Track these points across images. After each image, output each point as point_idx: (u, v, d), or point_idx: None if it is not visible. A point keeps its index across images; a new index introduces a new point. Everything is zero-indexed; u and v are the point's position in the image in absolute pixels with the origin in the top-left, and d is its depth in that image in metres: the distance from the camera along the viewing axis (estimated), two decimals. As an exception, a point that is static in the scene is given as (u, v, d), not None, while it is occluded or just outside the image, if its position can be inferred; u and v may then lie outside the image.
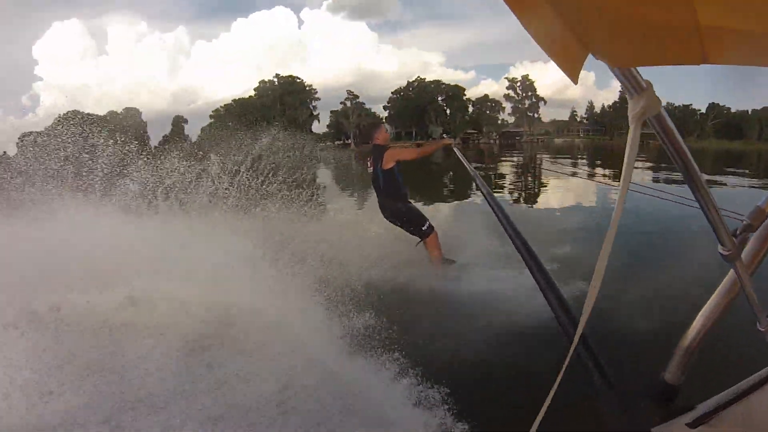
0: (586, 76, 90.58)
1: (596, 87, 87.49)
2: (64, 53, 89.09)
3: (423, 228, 4.96)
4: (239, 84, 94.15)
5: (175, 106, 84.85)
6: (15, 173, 5.71)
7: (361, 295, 3.81)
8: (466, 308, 3.84)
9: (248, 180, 6.17)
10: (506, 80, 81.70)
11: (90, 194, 5.45)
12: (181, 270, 3.58)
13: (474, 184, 2.61)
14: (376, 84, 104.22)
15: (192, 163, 6.50)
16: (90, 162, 5.72)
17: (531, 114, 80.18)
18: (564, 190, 12.64)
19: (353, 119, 68.59)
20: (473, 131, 74.70)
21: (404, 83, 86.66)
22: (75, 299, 3.23)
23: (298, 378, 2.48)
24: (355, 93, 74.12)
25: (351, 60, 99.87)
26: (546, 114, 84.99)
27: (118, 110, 65.95)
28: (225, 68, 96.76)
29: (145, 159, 5.98)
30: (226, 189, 6.06)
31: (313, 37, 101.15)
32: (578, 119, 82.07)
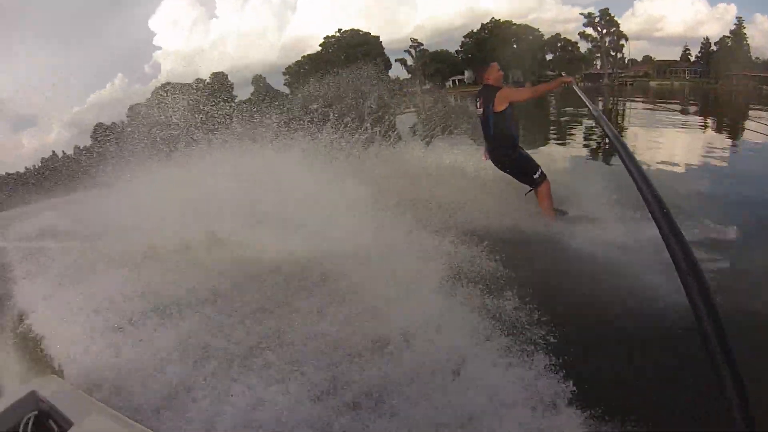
0: (726, 10, 78.98)
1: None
2: (177, 22, 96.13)
3: (534, 176, 4.62)
4: (345, 24, 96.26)
5: (285, 59, 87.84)
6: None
7: (473, 246, 3.82)
8: (582, 265, 3.52)
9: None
10: (582, 16, 73.67)
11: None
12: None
13: (597, 126, 2.17)
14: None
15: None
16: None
17: (615, 53, 71.77)
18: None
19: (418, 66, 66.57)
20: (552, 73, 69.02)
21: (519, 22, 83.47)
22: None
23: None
24: (418, 41, 71.41)
25: (461, 1, 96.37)
26: (658, 52, 75.59)
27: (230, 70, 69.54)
28: (332, 17, 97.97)
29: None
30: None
31: None
32: (691, 59, 71.16)
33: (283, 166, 5.43)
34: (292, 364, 2.54)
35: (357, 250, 3.68)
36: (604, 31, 69.74)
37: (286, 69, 71.39)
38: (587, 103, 3.10)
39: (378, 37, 70.91)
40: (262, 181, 4.95)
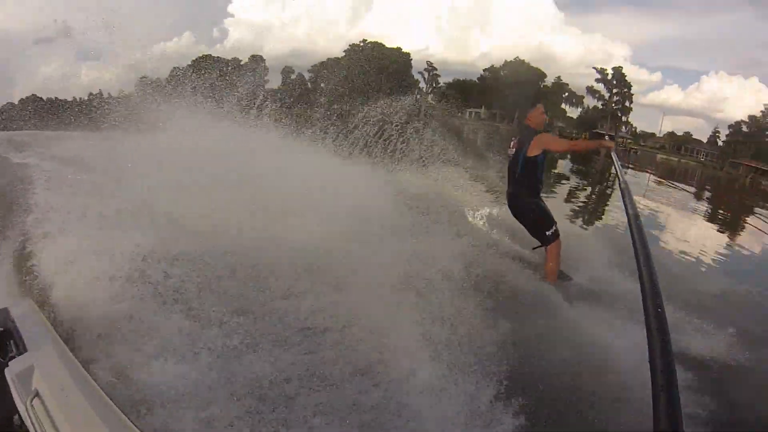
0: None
1: None
2: None
3: (547, 233, 4.39)
4: (416, 39, 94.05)
5: (349, 53, 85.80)
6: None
7: (458, 282, 3.68)
8: (558, 337, 3.31)
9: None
10: (594, 70, 71.34)
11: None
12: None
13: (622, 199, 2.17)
14: (553, 67, 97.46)
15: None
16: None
17: (621, 116, 70.12)
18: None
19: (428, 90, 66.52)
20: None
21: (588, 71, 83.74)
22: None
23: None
24: (433, 65, 70.92)
25: (532, 36, 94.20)
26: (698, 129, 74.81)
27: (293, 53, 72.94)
28: (404, 23, 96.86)
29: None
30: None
31: (496, 6, 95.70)
32: (719, 140, 67.16)
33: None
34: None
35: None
36: (615, 90, 69.16)
37: (311, 67, 72.35)
38: (618, 173, 3.01)
39: (408, 54, 70.46)
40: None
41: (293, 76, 69.08)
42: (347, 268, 3.51)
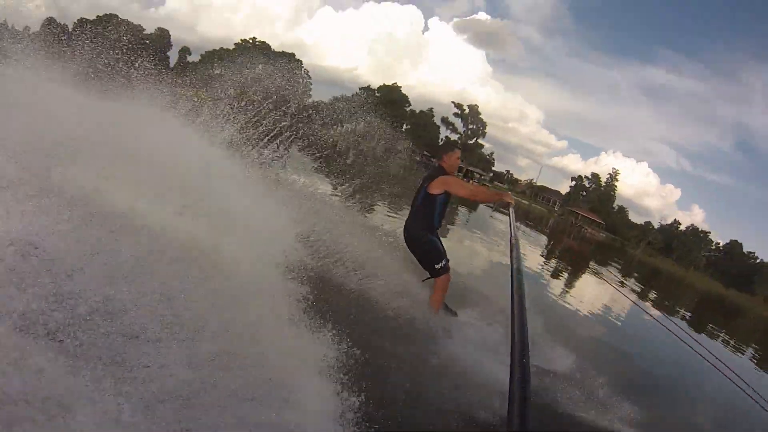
0: (672, 192, 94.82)
1: (677, 206, 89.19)
2: None
3: (436, 266, 4.52)
4: (347, 58, 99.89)
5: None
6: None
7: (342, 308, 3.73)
8: (433, 369, 3.54)
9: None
10: (452, 104, 78.81)
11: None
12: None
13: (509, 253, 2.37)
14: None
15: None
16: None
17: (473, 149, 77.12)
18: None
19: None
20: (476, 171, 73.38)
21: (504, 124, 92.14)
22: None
23: None
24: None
25: (458, 81, 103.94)
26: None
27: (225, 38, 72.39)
28: (340, 40, 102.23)
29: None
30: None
31: (433, 46, 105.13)
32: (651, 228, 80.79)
33: None
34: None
35: None
36: (470, 124, 75.85)
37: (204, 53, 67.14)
38: (511, 229, 3.14)
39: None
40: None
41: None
42: None
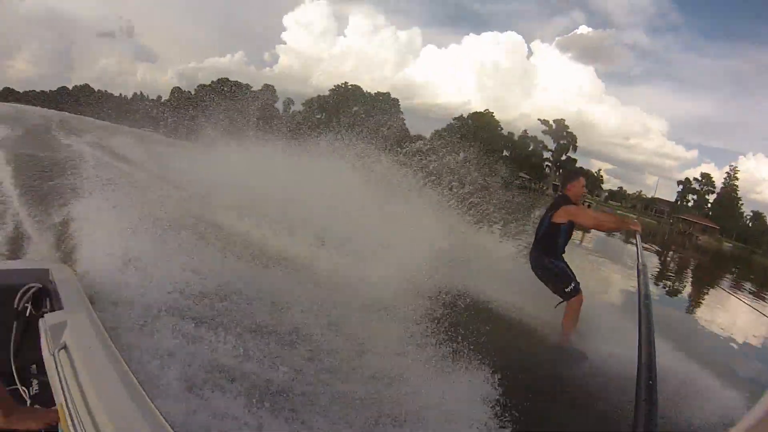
0: None
1: None
2: (308, 27, 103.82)
3: (566, 289, 4.47)
4: (458, 94, 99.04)
5: (393, 94, 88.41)
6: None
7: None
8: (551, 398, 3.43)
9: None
10: (539, 122, 74.98)
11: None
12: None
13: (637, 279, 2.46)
14: (590, 135, 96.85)
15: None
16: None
17: (561, 167, 71.40)
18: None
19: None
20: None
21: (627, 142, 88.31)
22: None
23: None
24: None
25: (572, 103, 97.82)
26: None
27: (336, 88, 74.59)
28: (447, 76, 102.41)
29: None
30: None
31: (539, 70, 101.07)
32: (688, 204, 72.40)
33: None
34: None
35: None
36: (561, 141, 71.77)
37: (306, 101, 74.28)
38: (638, 255, 3.07)
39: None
40: None
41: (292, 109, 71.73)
42: None
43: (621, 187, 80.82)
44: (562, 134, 73.25)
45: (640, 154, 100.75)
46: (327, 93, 72.07)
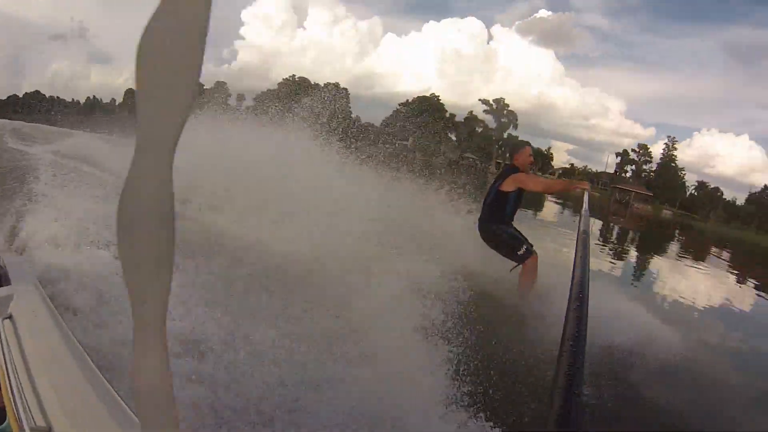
0: None
1: None
2: (267, 20, 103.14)
3: (519, 252, 4.54)
4: (419, 81, 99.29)
5: (354, 88, 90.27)
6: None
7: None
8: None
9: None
10: (480, 101, 79.06)
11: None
12: None
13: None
14: (551, 117, 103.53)
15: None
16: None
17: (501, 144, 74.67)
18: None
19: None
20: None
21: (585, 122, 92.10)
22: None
23: None
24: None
25: (532, 86, 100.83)
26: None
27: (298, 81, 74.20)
28: (408, 64, 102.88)
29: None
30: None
31: (500, 54, 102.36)
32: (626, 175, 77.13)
33: None
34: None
35: None
36: (502, 118, 74.75)
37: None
38: (583, 211, 3.12)
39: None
40: None
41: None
42: None
43: (572, 164, 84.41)
44: (503, 113, 75.93)
45: (600, 134, 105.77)
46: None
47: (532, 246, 4.62)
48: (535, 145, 72.95)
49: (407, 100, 76.16)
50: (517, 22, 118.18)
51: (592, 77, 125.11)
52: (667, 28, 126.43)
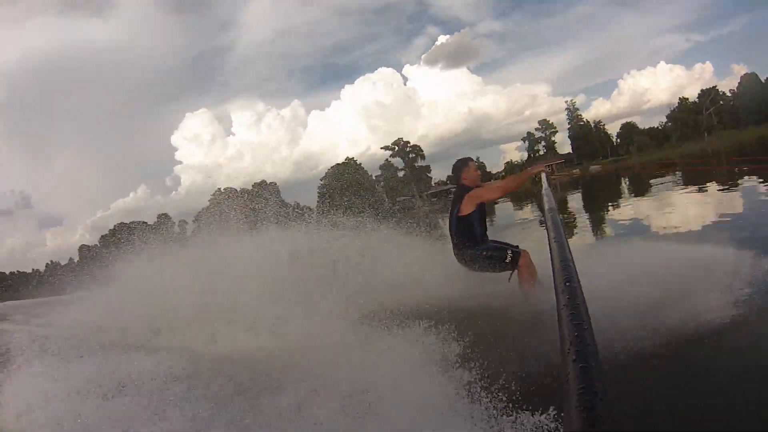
0: (703, 69, 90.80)
1: (717, 78, 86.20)
2: (196, 139, 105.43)
3: (506, 261, 4.31)
4: (355, 145, 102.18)
5: (297, 174, 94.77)
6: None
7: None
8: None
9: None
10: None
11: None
12: None
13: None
14: (488, 125, 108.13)
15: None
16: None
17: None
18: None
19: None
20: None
21: (520, 117, 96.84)
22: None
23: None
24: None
25: (461, 106, 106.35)
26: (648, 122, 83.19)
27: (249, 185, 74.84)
28: (341, 132, 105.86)
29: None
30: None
31: (419, 90, 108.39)
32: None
33: None
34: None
35: None
36: (410, 154, 78.49)
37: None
38: (544, 190, 3.13)
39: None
40: None
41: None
42: None
43: (508, 161, 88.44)
44: (406, 149, 79.84)
45: (538, 119, 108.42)
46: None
47: (517, 246, 4.45)
48: (482, 155, 79.35)
49: (325, 174, 79.10)
50: (423, 56, 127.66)
51: (508, 75, 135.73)
52: (552, 6, 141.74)
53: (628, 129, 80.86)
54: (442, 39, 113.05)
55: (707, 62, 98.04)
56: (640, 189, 16.98)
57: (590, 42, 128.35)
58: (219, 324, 4.58)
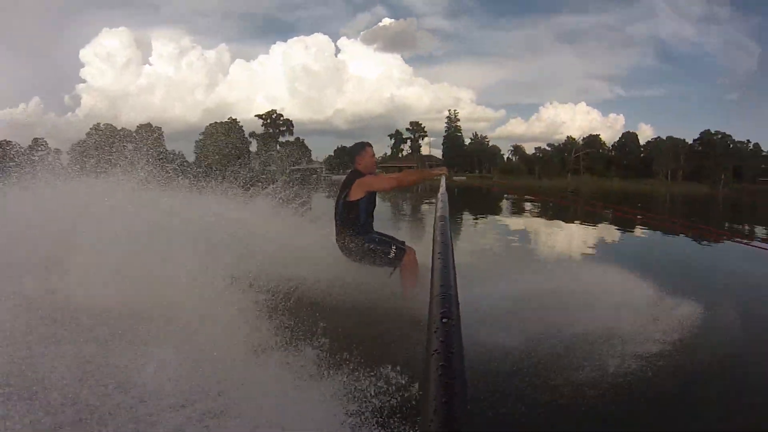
0: (616, 120, 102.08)
1: (625, 130, 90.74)
2: (109, 59, 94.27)
3: (389, 256, 4.18)
4: (272, 103, 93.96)
5: (205, 120, 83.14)
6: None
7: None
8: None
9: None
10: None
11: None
12: None
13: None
14: (407, 116, 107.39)
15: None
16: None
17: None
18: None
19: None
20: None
21: (439, 115, 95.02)
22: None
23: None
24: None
25: (384, 90, 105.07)
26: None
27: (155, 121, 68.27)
28: (260, 88, 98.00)
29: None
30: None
31: (349, 65, 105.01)
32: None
33: None
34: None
35: None
36: (280, 127, 79.83)
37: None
38: (440, 195, 3.11)
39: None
40: None
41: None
42: None
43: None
44: (278, 122, 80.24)
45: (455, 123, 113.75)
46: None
47: (403, 243, 4.40)
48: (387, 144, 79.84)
49: (205, 128, 75.81)
50: (362, 32, 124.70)
51: (441, 73, 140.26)
52: (502, 22, 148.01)
53: (520, 152, 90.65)
54: (386, 21, 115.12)
55: (621, 114, 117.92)
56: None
57: (526, 64, 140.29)
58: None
